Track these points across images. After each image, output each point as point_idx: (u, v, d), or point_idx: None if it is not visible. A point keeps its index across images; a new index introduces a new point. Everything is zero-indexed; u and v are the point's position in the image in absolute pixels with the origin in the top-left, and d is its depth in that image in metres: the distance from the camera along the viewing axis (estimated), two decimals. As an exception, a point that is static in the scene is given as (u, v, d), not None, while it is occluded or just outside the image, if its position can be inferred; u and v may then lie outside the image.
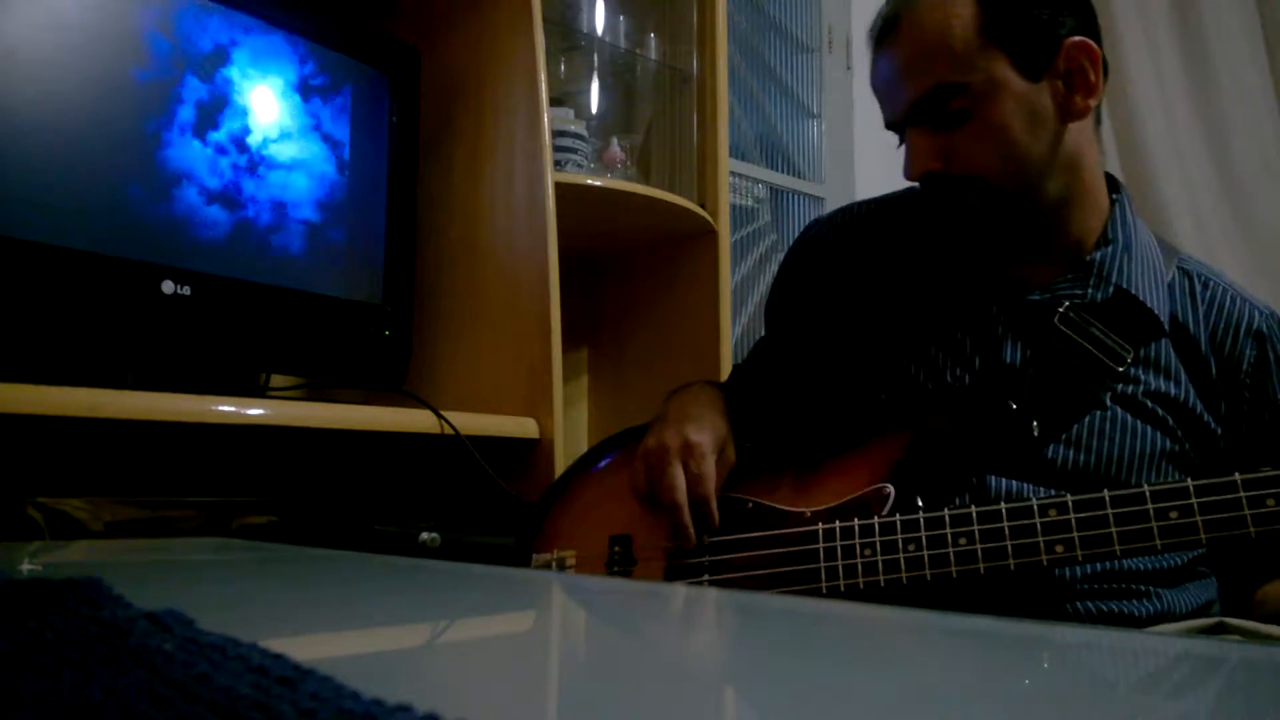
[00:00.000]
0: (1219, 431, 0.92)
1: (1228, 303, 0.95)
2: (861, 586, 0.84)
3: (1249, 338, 0.93)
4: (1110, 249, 0.94)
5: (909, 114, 0.91)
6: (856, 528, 0.86)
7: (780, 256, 2.46)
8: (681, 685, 0.33)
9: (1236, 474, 0.76)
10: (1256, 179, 2.24)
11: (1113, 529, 0.78)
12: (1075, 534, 0.79)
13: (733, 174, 2.28)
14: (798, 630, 0.49)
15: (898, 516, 0.85)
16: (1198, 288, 0.96)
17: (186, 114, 1.16)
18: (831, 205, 2.58)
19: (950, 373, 0.95)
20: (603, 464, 1.05)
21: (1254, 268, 2.17)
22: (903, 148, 0.94)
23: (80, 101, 1.06)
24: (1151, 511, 0.77)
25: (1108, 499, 0.79)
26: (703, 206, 1.70)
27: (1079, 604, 0.87)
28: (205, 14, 1.18)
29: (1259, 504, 0.75)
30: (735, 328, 2.26)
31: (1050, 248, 0.96)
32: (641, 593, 0.72)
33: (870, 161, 2.57)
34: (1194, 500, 0.76)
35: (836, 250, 1.09)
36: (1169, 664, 0.41)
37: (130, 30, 1.11)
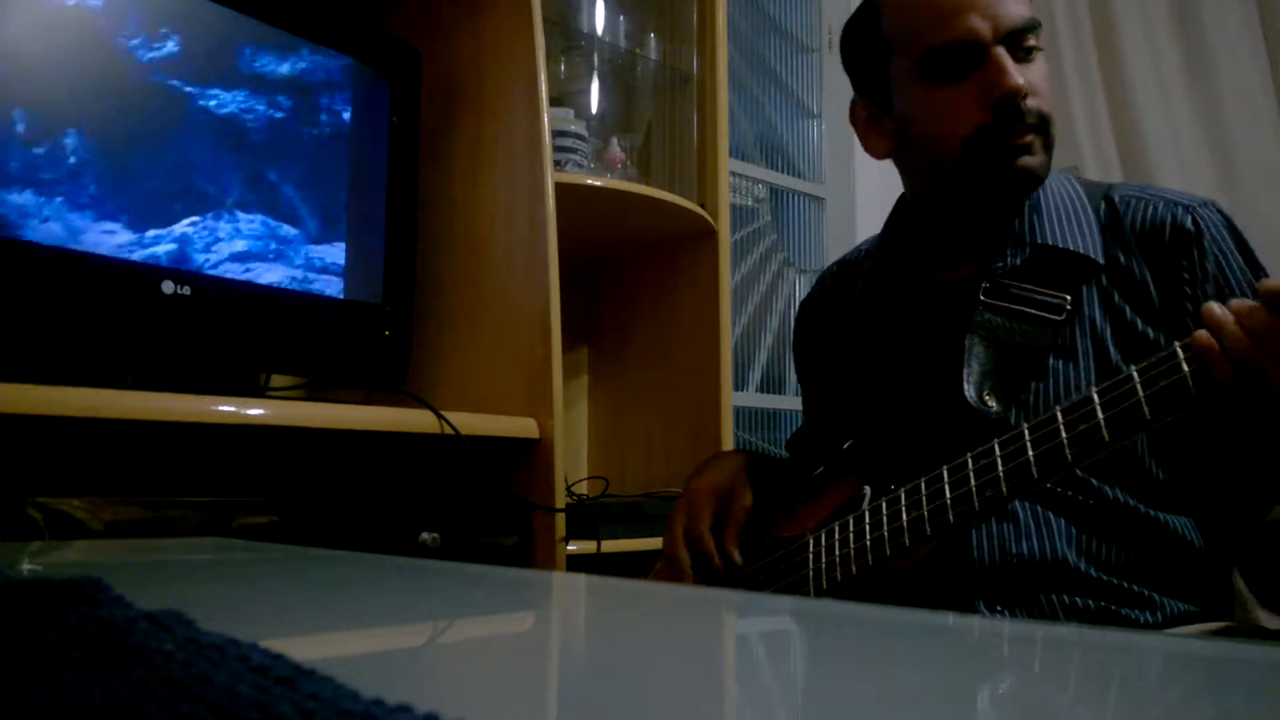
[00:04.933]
0: None
1: (1150, 213, 0.93)
2: (839, 579, 0.89)
3: (1177, 239, 0.91)
4: (1018, 217, 0.95)
5: (1009, 35, 0.89)
6: (835, 529, 0.91)
7: (780, 256, 2.47)
8: (681, 684, 0.33)
9: (1132, 366, 0.75)
10: (1256, 179, 2.24)
11: (1030, 454, 0.78)
12: (1000, 470, 0.79)
13: (733, 174, 2.28)
14: (797, 629, 0.49)
15: (865, 507, 0.89)
16: (1120, 209, 0.94)
17: (186, 113, 1.16)
18: (831, 205, 2.58)
19: (912, 384, 0.99)
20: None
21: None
22: (981, 69, 0.89)
23: (80, 100, 1.06)
24: (1061, 427, 0.77)
25: (1025, 430, 0.79)
26: (703, 206, 1.70)
27: (1076, 599, 0.87)
28: (206, 13, 1.18)
29: (1151, 385, 0.73)
30: (735, 328, 2.26)
31: (980, 231, 0.97)
32: (641, 593, 0.72)
33: (870, 161, 2.57)
34: (1096, 403, 0.76)
35: (814, 319, 1.18)
36: (1176, 665, 0.41)
37: (131, 29, 1.11)
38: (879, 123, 1.01)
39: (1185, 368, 0.72)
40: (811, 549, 0.93)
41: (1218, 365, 0.71)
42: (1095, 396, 0.76)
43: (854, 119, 1.04)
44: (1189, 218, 0.91)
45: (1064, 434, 0.77)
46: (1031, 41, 0.90)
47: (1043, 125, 0.91)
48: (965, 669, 0.38)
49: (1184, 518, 0.90)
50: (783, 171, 2.51)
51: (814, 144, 2.60)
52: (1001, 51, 0.89)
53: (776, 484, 1.07)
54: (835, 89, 2.60)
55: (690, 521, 1.01)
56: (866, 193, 2.55)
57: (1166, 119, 2.34)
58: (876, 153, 1.02)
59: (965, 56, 0.89)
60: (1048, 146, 0.91)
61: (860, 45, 1.00)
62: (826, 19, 2.62)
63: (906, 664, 0.38)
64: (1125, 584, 0.88)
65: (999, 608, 0.88)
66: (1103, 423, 0.75)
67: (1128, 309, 0.91)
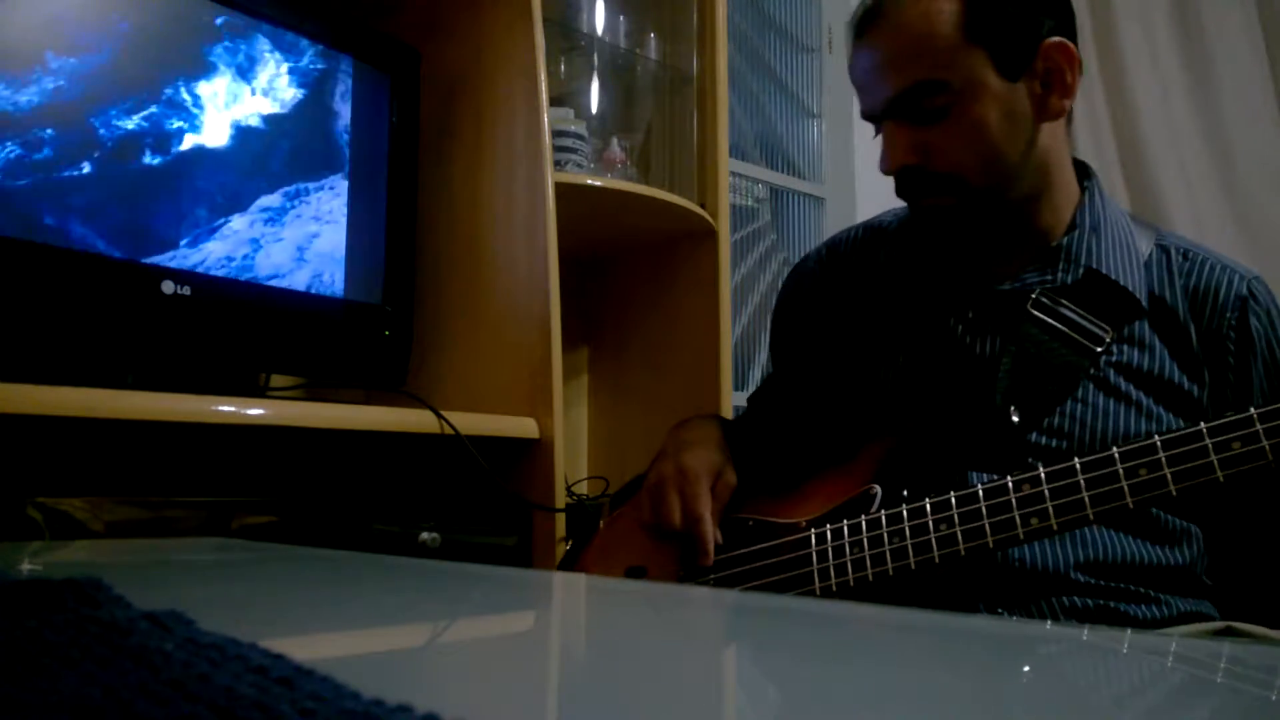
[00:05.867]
0: (1204, 401, 0.91)
1: (1206, 271, 0.94)
2: (852, 584, 0.87)
3: (1230, 303, 0.92)
4: (1077, 233, 0.95)
5: (887, 107, 0.92)
6: (845, 528, 0.89)
7: (781, 256, 2.47)
8: (680, 684, 0.33)
9: (1202, 423, 0.76)
10: (1256, 179, 2.24)
11: (1084, 493, 0.79)
12: (1049, 504, 0.80)
13: (733, 174, 2.28)
14: (794, 630, 0.49)
15: (882, 512, 0.87)
16: (1176, 260, 0.95)
17: (186, 113, 1.16)
18: (831, 205, 2.58)
19: (931, 375, 0.97)
20: (621, 507, 1.09)
21: (1254, 268, 2.16)
22: (878, 139, 0.95)
23: (81, 101, 1.06)
24: (1121, 471, 0.78)
25: (1078, 466, 0.80)
26: (703, 206, 1.70)
27: (1075, 599, 0.87)
28: (205, 13, 1.18)
29: (1225, 448, 0.75)
30: (735, 328, 2.26)
31: (1020, 240, 0.97)
32: (640, 593, 0.72)
33: (870, 161, 2.56)
34: (1161, 454, 0.77)
35: (824, 282, 1.13)
36: (1174, 666, 0.41)
37: (131, 29, 1.11)
38: None
39: (1265, 441, 0.74)
40: (814, 545, 0.90)
41: None
42: (1160, 444, 0.77)
43: None
44: (1245, 285, 0.93)
45: (1124, 480, 0.77)
46: (940, 101, 0.89)
47: (945, 183, 0.92)
48: (967, 669, 0.38)
49: (1192, 524, 0.91)
50: (783, 171, 2.51)
51: (814, 144, 2.60)
52: (893, 126, 0.92)
53: (750, 454, 1.04)
54: (835, 89, 2.60)
55: (688, 503, 0.96)
56: (866, 193, 2.55)
57: (1166, 119, 2.34)
58: None
59: (875, 125, 0.96)
60: (961, 192, 0.92)
61: None
62: (826, 19, 2.62)
63: (907, 664, 0.38)
64: (1129, 586, 0.88)
65: (1000, 610, 0.88)
66: (1169, 477, 0.76)
67: (1166, 355, 0.91)
